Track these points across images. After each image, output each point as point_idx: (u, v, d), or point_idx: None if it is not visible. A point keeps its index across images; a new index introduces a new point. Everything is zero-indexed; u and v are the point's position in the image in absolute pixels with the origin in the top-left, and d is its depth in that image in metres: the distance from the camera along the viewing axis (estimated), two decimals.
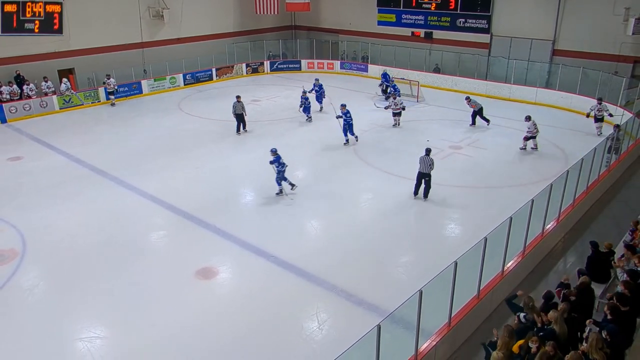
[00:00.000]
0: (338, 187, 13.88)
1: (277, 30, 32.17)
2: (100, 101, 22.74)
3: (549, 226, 10.47)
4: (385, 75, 23.73)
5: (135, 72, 24.50)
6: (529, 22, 23.15)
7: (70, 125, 20.07)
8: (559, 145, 16.77)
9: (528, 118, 16.19)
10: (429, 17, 26.04)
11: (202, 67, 26.73)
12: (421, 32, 26.99)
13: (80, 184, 14.26)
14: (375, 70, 26.70)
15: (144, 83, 24.50)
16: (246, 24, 30.13)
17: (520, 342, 6.26)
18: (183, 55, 26.25)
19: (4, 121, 20.08)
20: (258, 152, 15.36)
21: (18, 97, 20.84)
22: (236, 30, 29.77)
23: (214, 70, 27.20)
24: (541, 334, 6.34)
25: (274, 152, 13.09)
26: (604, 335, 6.02)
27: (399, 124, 18.86)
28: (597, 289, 8.14)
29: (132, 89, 24.02)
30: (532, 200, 9.17)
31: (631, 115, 17.10)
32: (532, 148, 16.33)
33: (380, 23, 28.06)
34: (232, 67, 28.06)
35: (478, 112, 18.69)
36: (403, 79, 23.46)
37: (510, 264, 9.12)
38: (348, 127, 16.83)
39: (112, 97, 22.56)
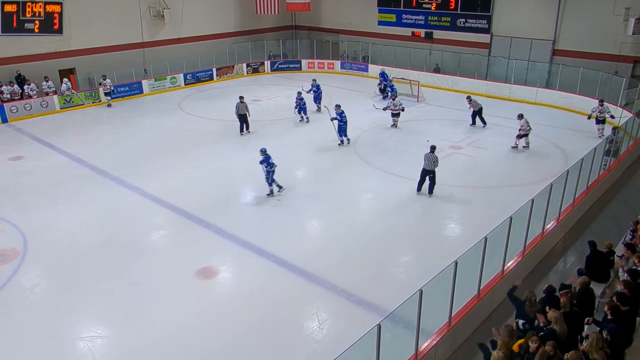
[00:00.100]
0: (338, 187, 13.89)
1: (277, 30, 32.20)
2: (100, 101, 22.74)
3: (549, 226, 10.48)
4: (383, 75, 23.74)
5: (135, 72, 24.53)
6: (529, 22, 23.16)
7: (71, 125, 20.09)
8: (559, 145, 16.78)
9: (520, 116, 16.32)
10: (429, 17, 26.06)
11: (203, 67, 26.75)
12: (421, 32, 27.01)
13: (81, 183, 14.27)
14: (375, 70, 26.69)
15: (144, 83, 24.53)
16: (247, 24, 30.15)
17: (520, 341, 6.27)
18: (183, 55, 26.28)
19: (5, 121, 20.11)
20: (258, 152, 15.35)
21: (19, 96, 20.86)
22: (237, 30, 29.80)
23: (214, 70, 27.23)
24: (541, 334, 6.34)
25: (263, 152, 13.08)
26: (604, 335, 6.02)
27: (396, 125, 18.86)
28: (597, 288, 8.15)
29: (132, 89, 24.05)
30: (532, 200, 9.18)
31: (631, 115, 17.11)
32: (523, 146, 16.45)
33: (380, 23, 28.08)
34: (233, 67, 28.09)
35: (477, 112, 18.72)
36: (403, 78, 23.48)
37: (510, 264, 9.13)
38: (343, 127, 16.77)
39: (109, 97, 22.42)
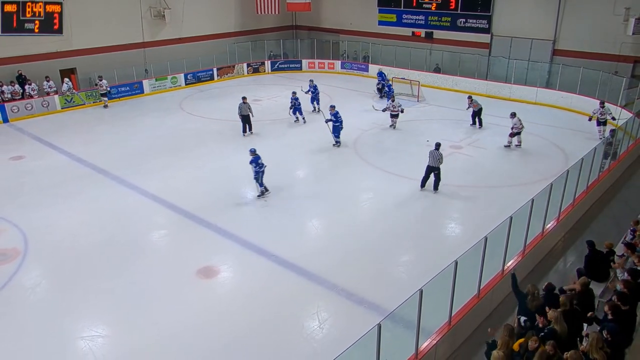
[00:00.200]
0: (338, 187, 13.90)
1: (278, 30, 32.21)
2: (101, 101, 22.73)
3: (549, 226, 10.49)
4: (381, 74, 23.73)
5: (136, 71, 24.54)
6: (529, 22, 23.17)
7: (72, 124, 20.11)
8: (559, 145, 16.79)
9: (513, 115, 16.41)
10: (430, 17, 26.05)
11: (204, 67, 26.76)
12: (422, 32, 27.02)
13: (82, 183, 14.29)
14: (375, 70, 26.70)
15: (145, 83, 24.55)
16: (247, 24, 30.17)
17: (521, 340, 6.28)
18: (184, 55, 26.30)
19: (6, 120, 20.12)
20: (259, 152, 15.35)
21: (20, 96, 20.89)
22: (237, 30, 29.81)
23: (215, 70, 27.24)
24: (542, 334, 6.35)
25: (252, 152, 13.07)
26: (604, 335, 6.03)
27: (395, 126, 18.83)
28: (597, 288, 8.16)
29: (133, 89, 24.07)
30: (532, 200, 9.19)
31: (631, 115, 17.12)
32: (516, 145, 16.53)
33: (380, 23, 28.08)
34: (233, 66, 28.10)
35: (477, 113, 18.74)
36: (404, 78, 23.49)
37: (510, 264, 9.14)
38: (339, 127, 16.75)
39: (105, 98, 22.27)
